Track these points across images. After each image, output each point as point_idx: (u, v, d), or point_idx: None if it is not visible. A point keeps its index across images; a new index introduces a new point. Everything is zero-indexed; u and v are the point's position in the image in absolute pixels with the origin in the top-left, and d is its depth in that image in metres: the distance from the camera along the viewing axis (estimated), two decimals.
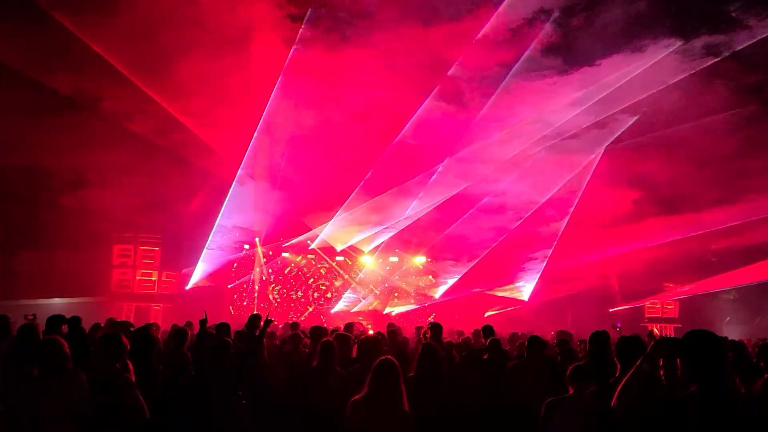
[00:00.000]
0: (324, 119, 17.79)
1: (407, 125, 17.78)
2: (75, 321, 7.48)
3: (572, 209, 20.51)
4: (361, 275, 21.48)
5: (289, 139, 18.37)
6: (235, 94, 17.35)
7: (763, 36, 15.12)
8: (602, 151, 18.98)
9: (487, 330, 8.28)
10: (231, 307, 19.78)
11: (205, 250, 18.78)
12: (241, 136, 17.81)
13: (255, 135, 17.52)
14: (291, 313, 20.54)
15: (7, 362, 5.55)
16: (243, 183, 18.65)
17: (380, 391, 4.01)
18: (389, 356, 4.30)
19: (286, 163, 18.63)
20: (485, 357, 6.80)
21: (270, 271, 20.94)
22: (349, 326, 9.47)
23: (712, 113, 17.28)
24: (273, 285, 20.90)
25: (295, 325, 9.86)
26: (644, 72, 16.33)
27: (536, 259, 21.82)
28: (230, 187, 18.17)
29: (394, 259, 22.27)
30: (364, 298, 21.55)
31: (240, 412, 5.38)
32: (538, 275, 21.81)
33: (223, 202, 18.30)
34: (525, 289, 22.57)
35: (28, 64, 14.84)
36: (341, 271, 21.64)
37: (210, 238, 18.59)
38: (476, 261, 21.33)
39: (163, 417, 4.75)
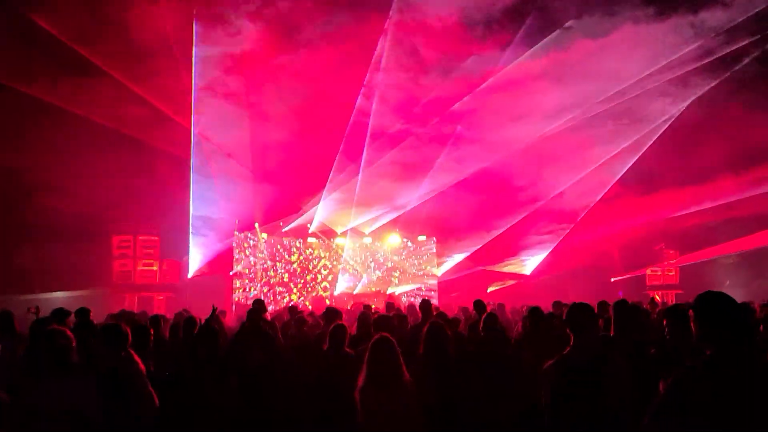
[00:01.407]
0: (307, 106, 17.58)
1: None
2: (82, 313, 7.50)
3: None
4: (349, 257, 21.50)
5: (269, 125, 18.16)
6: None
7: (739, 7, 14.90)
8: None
9: (479, 305, 8.18)
10: (235, 294, 19.76)
11: (191, 237, 18.62)
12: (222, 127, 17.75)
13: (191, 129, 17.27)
14: (296, 297, 20.59)
15: (13, 358, 5.56)
16: (227, 170, 18.53)
17: (378, 369, 4.06)
18: (383, 333, 4.35)
19: (270, 149, 18.45)
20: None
21: (270, 254, 20.91)
22: (367, 307, 9.57)
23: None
24: (274, 270, 20.90)
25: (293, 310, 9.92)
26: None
27: (545, 234, 21.80)
28: (190, 170, 17.93)
29: (395, 239, 22.26)
30: (366, 280, 21.60)
31: (234, 398, 5.38)
32: (548, 251, 21.84)
33: (189, 187, 18.09)
34: (529, 263, 22.62)
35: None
36: (342, 254, 21.64)
37: (191, 224, 18.36)
38: (484, 243, 21.33)
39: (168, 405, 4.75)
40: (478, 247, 21.63)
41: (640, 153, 18.97)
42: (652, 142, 18.73)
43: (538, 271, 22.49)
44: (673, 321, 3.90)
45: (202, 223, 19.05)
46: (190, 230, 18.39)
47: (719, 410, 2.42)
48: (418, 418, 4.09)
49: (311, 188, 19.52)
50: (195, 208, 18.58)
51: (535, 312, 6.62)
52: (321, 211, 19.96)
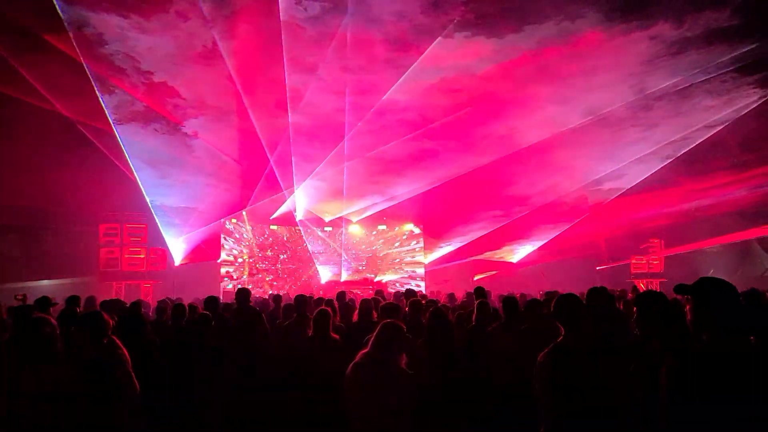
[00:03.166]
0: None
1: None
2: (72, 301, 7.55)
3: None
4: (336, 245, 21.51)
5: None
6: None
7: None
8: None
9: (479, 291, 8.29)
10: (222, 282, 19.76)
11: (160, 226, 18.47)
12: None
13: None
14: (285, 285, 20.63)
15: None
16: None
17: (379, 352, 4.10)
18: (396, 320, 4.40)
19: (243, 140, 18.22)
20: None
21: (257, 242, 20.91)
22: (341, 294, 9.56)
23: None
24: (261, 257, 20.92)
25: (277, 298, 9.89)
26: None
27: (534, 228, 21.86)
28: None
29: (382, 227, 22.30)
30: (353, 268, 21.65)
31: (222, 385, 5.42)
32: (537, 245, 21.95)
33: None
34: (516, 252, 22.76)
35: None
36: (330, 242, 21.67)
37: (153, 213, 18.14)
38: (474, 237, 21.38)
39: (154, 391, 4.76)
40: (467, 238, 21.71)
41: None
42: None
43: (524, 260, 22.66)
44: (643, 310, 3.56)
45: (185, 211, 19.00)
46: (156, 219, 18.25)
47: (714, 396, 2.38)
48: (410, 403, 4.10)
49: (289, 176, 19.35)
50: (181, 198, 18.51)
51: (508, 301, 6.20)
52: (303, 200, 19.86)
